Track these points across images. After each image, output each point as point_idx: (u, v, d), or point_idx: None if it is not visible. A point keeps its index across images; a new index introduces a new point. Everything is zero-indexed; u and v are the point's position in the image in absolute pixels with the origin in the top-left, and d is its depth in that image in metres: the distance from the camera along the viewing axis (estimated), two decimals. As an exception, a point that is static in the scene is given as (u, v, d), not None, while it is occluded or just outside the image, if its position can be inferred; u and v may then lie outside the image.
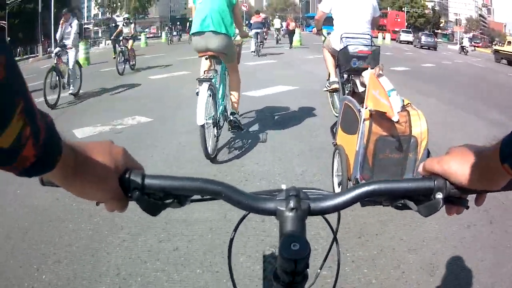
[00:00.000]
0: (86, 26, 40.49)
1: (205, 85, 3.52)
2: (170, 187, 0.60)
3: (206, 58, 3.95)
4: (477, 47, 37.16)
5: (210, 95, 3.60)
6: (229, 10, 3.90)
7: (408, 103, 2.99)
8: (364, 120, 2.73)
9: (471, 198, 0.63)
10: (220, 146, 4.20)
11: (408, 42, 33.95)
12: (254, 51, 14.29)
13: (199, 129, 3.46)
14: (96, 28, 41.32)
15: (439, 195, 0.59)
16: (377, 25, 4.64)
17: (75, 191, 0.55)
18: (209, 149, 3.63)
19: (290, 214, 0.58)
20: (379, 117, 2.71)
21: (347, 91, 4.37)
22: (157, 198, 0.60)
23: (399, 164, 2.78)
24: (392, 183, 0.62)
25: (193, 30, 3.87)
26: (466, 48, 28.33)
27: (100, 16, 41.40)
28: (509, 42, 22.14)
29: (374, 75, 2.76)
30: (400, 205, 0.64)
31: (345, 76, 4.50)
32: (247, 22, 16.25)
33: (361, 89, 3.68)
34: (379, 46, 4.24)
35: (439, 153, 0.67)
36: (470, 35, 40.74)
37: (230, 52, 3.95)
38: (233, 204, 0.61)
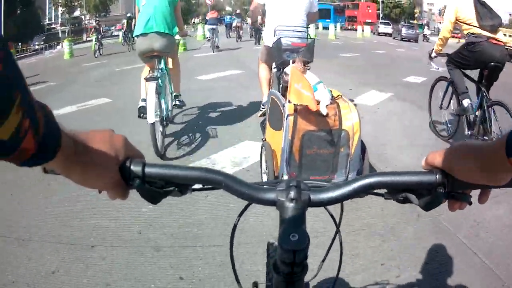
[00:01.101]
0: (53, 26, 38.41)
1: (153, 84, 3.57)
2: (171, 176, 0.59)
3: (151, 58, 4.02)
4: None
5: (157, 93, 3.65)
6: (171, 10, 4.05)
7: (339, 95, 2.85)
8: (288, 115, 2.58)
9: (474, 194, 0.61)
10: (168, 143, 4.13)
11: (386, 34, 33.30)
12: (209, 40, 14.27)
13: (149, 127, 3.48)
14: (63, 27, 38.98)
15: (441, 190, 0.58)
16: (313, 20, 4.47)
17: (76, 179, 0.55)
18: (159, 147, 3.62)
19: (290, 205, 0.58)
20: (305, 111, 2.56)
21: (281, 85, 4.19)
22: (158, 187, 0.60)
23: (330, 160, 2.63)
24: (394, 176, 0.60)
25: (136, 32, 3.97)
26: (427, 36, 31.11)
27: (66, 15, 38.89)
28: None
29: (296, 69, 2.60)
30: (402, 198, 0.62)
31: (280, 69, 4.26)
32: (206, 19, 16.31)
33: None
34: (314, 39, 4.04)
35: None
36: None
37: (172, 51, 4.20)
38: (234, 194, 0.60)
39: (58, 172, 0.54)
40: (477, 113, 3.71)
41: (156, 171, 0.59)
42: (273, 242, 1.09)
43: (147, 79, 3.66)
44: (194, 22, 35.29)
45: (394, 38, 30.20)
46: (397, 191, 0.63)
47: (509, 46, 4.06)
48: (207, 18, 15.52)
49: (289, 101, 2.56)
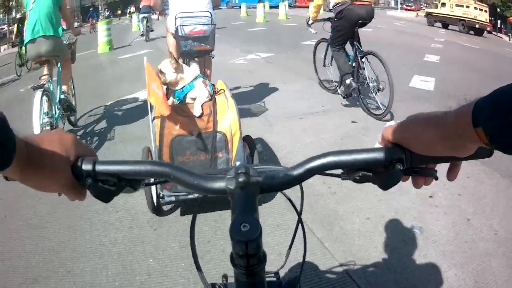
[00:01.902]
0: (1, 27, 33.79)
1: (39, 93, 3.36)
2: (121, 171, 0.58)
3: (41, 64, 3.82)
4: (410, 10, 35.98)
5: (46, 100, 3.49)
6: (56, 9, 3.80)
7: (222, 89, 2.48)
8: (154, 118, 2.21)
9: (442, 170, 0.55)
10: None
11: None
12: (142, 34, 12.92)
13: None
14: (11, 27, 35.29)
15: (399, 166, 0.55)
16: (218, 3, 4.06)
17: (32, 184, 0.55)
18: None
19: (240, 193, 0.57)
20: (174, 113, 2.19)
21: None
22: (111, 184, 0.59)
23: (207, 166, 2.28)
24: (347, 155, 0.58)
25: (26, 39, 3.76)
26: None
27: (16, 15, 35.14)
28: (443, 4, 21.62)
29: (150, 65, 2.19)
30: (358, 178, 0.59)
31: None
32: (139, 7, 14.38)
33: None
34: (215, 25, 3.65)
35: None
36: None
37: (61, 53, 3.87)
38: (183, 185, 0.59)
39: (14, 178, 0.53)
40: (353, 64, 4.21)
41: (106, 168, 0.58)
42: None
43: (33, 88, 3.40)
44: (129, 12, 30.32)
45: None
46: (354, 171, 0.60)
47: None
48: (140, 6, 14.05)
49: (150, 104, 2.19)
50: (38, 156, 0.53)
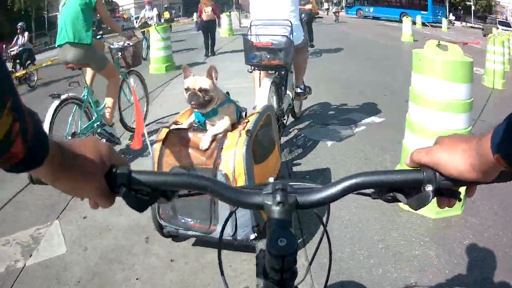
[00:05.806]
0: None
1: (56, 102, 3.13)
2: (157, 182, 0.59)
3: (79, 69, 3.68)
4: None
5: (78, 110, 3.35)
6: (86, 13, 3.50)
7: (247, 121, 2.12)
8: (155, 141, 2.01)
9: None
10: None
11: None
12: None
13: None
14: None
15: (429, 187, 0.57)
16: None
17: (62, 187, 0.55)
18: None
19: (277, 208, 0.58)
20: (177, 139, 1.97)
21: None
22: (144, 194, 0.59)
23: (207, 208, 1.99)
24: (380, 175, 0.59)
25: (57, 42, 3.62)
26: None
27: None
28: None
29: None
30: (390, 198, 0.62)
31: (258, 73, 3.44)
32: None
33: None
34: (291, 39, 3.16)
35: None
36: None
37: (94, 61, 3.60)
38: (220, 199, 0.61)
39: (45, 181, 0.53)
40: None
41: (142, 178, 0.58)
42: (262, 248, 0.99)
43: (51, 96, 3.18)
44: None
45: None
46: (385, 191, 0.62)
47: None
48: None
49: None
50: (73, 161, 0.53)
